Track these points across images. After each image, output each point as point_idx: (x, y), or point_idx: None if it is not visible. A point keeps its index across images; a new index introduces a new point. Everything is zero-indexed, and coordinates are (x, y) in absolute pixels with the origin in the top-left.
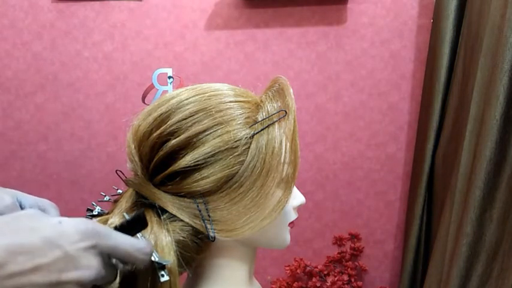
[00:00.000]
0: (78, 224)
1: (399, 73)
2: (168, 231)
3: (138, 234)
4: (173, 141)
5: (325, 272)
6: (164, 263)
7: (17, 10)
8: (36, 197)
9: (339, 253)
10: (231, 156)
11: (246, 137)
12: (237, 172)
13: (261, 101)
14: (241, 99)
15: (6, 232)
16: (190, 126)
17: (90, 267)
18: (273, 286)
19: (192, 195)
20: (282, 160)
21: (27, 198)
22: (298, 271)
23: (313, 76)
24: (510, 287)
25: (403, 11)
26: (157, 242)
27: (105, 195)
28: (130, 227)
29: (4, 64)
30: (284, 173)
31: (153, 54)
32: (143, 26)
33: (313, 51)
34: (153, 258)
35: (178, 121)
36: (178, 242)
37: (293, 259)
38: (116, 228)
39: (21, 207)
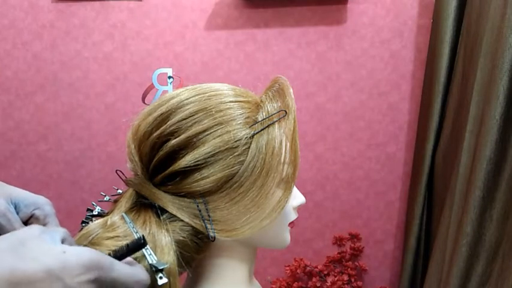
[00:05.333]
0: (82, 255)
1: (399, 73)
2: (167, 231)
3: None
4: (173, 141)
5: (325, 272)
6: (161, 267)
7: (17, 10)
8: (32, 195)
9: (339, 253)
10: (231, 156)
11: (246, 137)
12: (237, 172)
13: (261, 101)
14: (241, 99)
15: (9, 258)
16: (191, 126)
17: None
18: (273, 286)
19: (192, 195)
20: (282, 160)
21: (22, 197)
22: (298, 271)
23: (313, 76)
24: (510, 287)
25: (403, 11)
26: (156, 242)
27: (105, 195)
28: (130, 250)
29: (4, 64)
30: (284, 173)
31: (153, 54)
32: (143, 26)
33: (313, 51)
34: (150, 261)
35: (179, 121)
36: (178, 242)
37: (293, 259)
38: (116, 252)
39: (16, 208)
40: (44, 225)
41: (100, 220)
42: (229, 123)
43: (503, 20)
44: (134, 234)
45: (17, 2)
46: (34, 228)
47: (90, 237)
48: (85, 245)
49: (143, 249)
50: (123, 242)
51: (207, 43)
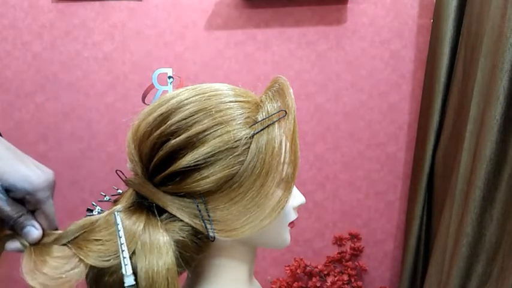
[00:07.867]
0: None
1: (399, 73)
2: (165, 231)
3: None
4: (173, 141)
5: (325, 272)
6: (128, 284)
7: (17, 10)
8: (25, 176)
9: (339, 253)
10: (230, 156)
11: (246, 137)
12: (237, 172)
13: (261, 101)
14: (241, 99)
15: None
16: (190, 126)
17: None
18: (273, 286)
19: (192, 195)
20: (282, 160)
21: (16, 179)
22: (298, 271)
23: (313, 76)
24: (510, 287)
25: (403, 11)
26: (153, 243)
27: (105, 195)
28: None
29: (4, 64)
30: (284, 173)
31: (153, 54)
32: (143, 26)
33: (313, 51)
34: (124, 272)
35: (178, 121)
36: (177, 242)
37: (293, 259)
38: None
39: (7, 191)
40: (34, 210)
41: (91, 217)
42: (229, 123)
43: (504, 20)
44: (118, 238)
45: (17, 2)
46: None
47: (77, 234)
48: (65, 244)
49: (122, 258)
50: (104, 247)
51: (207, 43)
